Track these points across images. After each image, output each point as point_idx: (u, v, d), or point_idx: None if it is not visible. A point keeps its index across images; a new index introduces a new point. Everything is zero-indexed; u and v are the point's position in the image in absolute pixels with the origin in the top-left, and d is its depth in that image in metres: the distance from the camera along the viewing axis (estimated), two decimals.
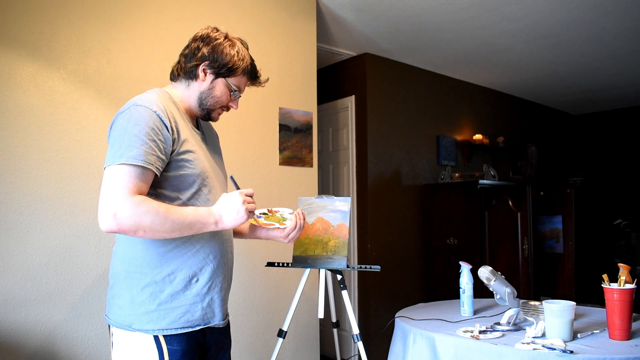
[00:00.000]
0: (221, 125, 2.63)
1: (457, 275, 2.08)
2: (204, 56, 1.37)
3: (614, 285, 1.60)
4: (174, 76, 1.43)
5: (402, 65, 4.26)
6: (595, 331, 1.68)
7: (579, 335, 1.64)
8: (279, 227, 1.46)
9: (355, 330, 2.23)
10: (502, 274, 1.87)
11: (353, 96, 4.08)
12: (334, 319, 2.59)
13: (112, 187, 1.16)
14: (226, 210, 1.27)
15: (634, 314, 1.63)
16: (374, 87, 4.03)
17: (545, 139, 5.83)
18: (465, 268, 2.06)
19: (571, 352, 1.42)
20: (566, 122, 6.28)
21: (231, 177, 1.39)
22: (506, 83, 4.98)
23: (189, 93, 1.40)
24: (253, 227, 1.57)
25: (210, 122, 1.50)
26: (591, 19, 3.36)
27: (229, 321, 1.48)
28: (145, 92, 1.35)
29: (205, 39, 1.39)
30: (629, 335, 1.59)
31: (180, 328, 1.29)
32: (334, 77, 4.27)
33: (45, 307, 2.05)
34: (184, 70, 1.39)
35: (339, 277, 2.27)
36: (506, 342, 1.58)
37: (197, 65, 1.37)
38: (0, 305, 1.95)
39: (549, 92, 5.33)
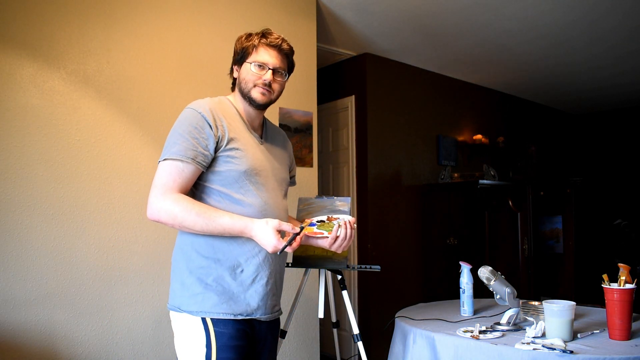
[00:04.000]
0: None
1: (457, 275, 2.08)
2: (233, 53, 1.53)
3: (614, 285, 1.60)
4: (233, 89, 1.57)
5: (402, 65, 4.26)
6: (595, 331, 1.68)
7: (579, 335, 1.64)
8: (326, 237, 1.44)
9: (355, 330, 2.23)
10: (502, 274, 1.87)
11: (353, 96, 4.08)
12: (334, 319, 2.59)
13: (156, 182, 1.33)
14: (259, 236, 1.33)
15: (634, 314, 1.63)
16: (374, 87, 4.03)
17: (545, 139, 5.83)
18: (465, 268, 2.06)
19: (571, 352, 1.42)
20: (566, 122, 6.27)
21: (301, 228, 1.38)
22: (506, 83, 4.98)
23: (239, 95, 1.52)
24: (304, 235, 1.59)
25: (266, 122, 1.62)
26: (591, 19, 3.35)
27: (278, 318, 1.53)
28: (201, 100, 1.48)
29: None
30: (629, 335, 1.58)
31: (223, 313, 1.35)
32: (334, 77, 4.27)
33: (45, 307, 2.05)
34: (232, 82, 1.56)
35: (339, 277, 2.27)
36: (506, 342, 1.57)
37: (232, 69, 1.55)
38: (0, 305, 1.95)
39: (549, 92, 5.33)
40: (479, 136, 4.79)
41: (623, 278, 1.61)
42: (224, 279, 1.37)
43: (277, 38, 1.50)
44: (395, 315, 2.07)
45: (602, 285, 1.63)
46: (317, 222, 1.48)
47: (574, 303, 1.62)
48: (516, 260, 4.09)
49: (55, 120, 2.13)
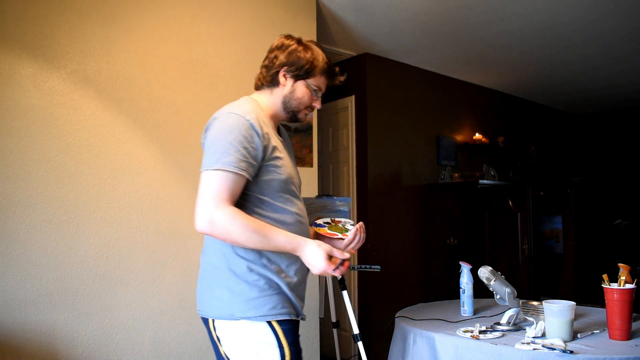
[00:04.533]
0: None
1: (457, 275, 2.08)
2: (282, 63, 1.47)
3: (614, 285, 1.60)
4: (258, 86, 1.53)
5: (402, 65, 4.26)
6: (595, 331, 1.68)
7: (579, 335, 1.64)
8: (341, 238, 1.53)
9: (355, 330, 2.23)
10: (502, 274, 1.87)
11: (353, 96, 4.08)
12: (334, 319, 2.59)
13: (209, 192, 1.27)
14: (310, 257, 1.34)
15: (634, 314, 1.63)
16: (374, 87, 4.03)
17: (545, 139, 5.83)
18: (465, 268, 2.06)
19: (571, 352, 1.42)
20: (566, 122, 6.27)
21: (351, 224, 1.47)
22: (506, 83, 4.98)
23: (274, 99, 1.49)
24: (318, 236, 1.62)
25: (297, 122, 1.58)
26: (591, 19, 3.35)
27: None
28: (239, 100, 1.45)
29: (280, 47, 1.49)
30: (629, 335, 1.58)
31: (285, 314, 1.37)
32: None
33: (45, 307, 2.05)
34: (266, 79, 1.49)
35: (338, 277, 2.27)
36: (506, 342, 1.57)
37: (277, 72, 1.47)
38: (0, 305, 1.95)
39: (549, 92, 5.33)
40: (478, 136, 4.79)
41: (623, 278, 1.61)
42: (275, 282, 1.37)
43: (340, 75, 1.56)
44: (395, 315, 2.07)
45: (602, 285, 1.63)
46: (325, 223, 1.53)
47: (574, 303, 1.62)
48: (516, 260, 4.09)
49: (55, 120, 2.13)
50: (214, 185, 1.28)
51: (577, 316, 1.85)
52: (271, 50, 1.51)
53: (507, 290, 1.80)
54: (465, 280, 2.03)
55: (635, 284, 1.61)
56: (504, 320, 1.78)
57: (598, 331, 1.68)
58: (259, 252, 1.36)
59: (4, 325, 1.95)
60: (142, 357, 2.29)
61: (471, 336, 1.63)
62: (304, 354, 2.91)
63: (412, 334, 1.80)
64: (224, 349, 1.38)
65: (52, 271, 2.07)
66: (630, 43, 3.82)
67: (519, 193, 4.18)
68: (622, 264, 1.66)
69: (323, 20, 3.36)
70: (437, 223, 4.16)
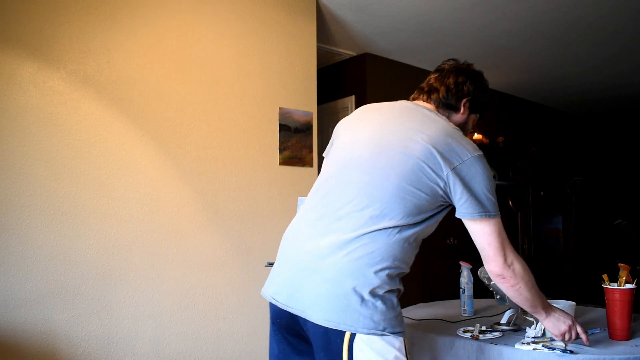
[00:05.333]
0: (221, 126, 2.63)
1: (457, 275, 2.08)
2: (470, 92, 1.44)
3: (614, 285, 1.60)
4: (428, 100, 1.45)
5: (402, 65, 4.26)
6: (595, 331, 1.68)
7: None
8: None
9: None
10: None
11: (353, 96, 4.08)
12: None
13: (502, 238, 1.29)
14: (557, 320, 1.43)
15: (634, 314, 1.63)
16: (374, 87, 4.03)
17: (545, 139, 5.83)
18: (465, 268, 2.06)
19: (571, 352, 1.42)
20: (566, 122, 6.27)
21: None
22: (506, 83, 4.98)
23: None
24: None
25: None
26: (591, 19, 3.35)
27: None
28: (447, 122, 1.35)
29: (470, 75, 1.46)
30: (629, 335, 1.58)
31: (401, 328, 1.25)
32: (334, 77, 4.27)
33: (45, 307, 2.05)
34: (446, 100, 1.43)
35: None
36: (506, 342, 1.57)
37: (461, 99, 1.44)
38: (0, 305, 1.95)
39: (549, 92, 5.33)
40: (479, 136, 4.79)
41: (623, 278, 1.61)
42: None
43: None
44: None
45: (602, 285, 1.63)
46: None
47: (574, 303, 1.62)
48: None
49: (55, 120, 2.13)
50: (502, 232, 1.30)
51: (577, 316, 1.84)
52: (458, 72, 1.45)
53: None
54: (465, 280, 2.03)
55: (635, 284, 1.61)
56: (504, 320, 1.78)
57: (598, 331, 1.68)
58: (408, 265, 1.30)
59: (4, 325, 1.95)
60: (142, 356, 2.29)
61: (471, 336, 1.63)
62: None
63: (412, 334, 1.80)
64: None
65: (52, 271, 2.07)
66: (630, 43, 3.82)
67: (519, 193, 4.19)
68: (622, 264, 1.66)
69: (323, 20, 3.36)
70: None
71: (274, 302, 1.33)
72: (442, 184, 1.26)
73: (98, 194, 2.22)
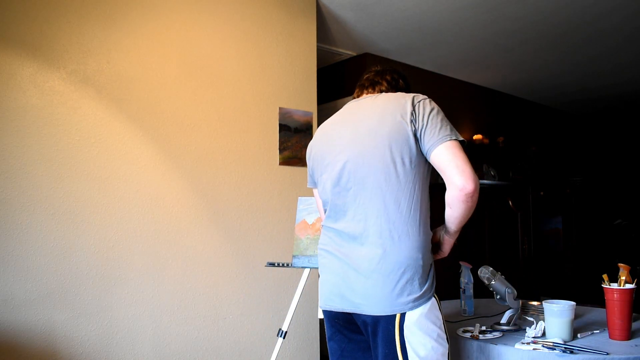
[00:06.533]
0: (221, 126, 2.63)
1: (457, 275, 2.08)
2: (404, 87, 1.64)
3: (614, 285, 1.60)
4: (374, 91, 1.60)
5: (402, 65, 4.26)
6: (595, 331, 1.68)
7: (579, 335, 1.64)
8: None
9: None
10: (502, 274, 1.87)
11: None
12: None
13: (465, 159, 1.40)
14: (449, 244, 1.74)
15: (634, 314, 1.63)
16: None
17: (545, 139, 5.83)
18: (465, 268, 2.06)
19: (571, 352, 1.42)
20: (566, 122, 6.27)
21: None
22: (506, 83, 4.98)
23: None
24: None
25: None
26: (591, 19, 3.36)
27: None
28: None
29: (400, 75, 1.64)
30: (629, 335, 1.58)
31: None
32: (334, 77, 4.27)
33: (45, 307, 2.05)
34: (388, 91, 1.60)
35: None
36: (506, 342, 1.57)
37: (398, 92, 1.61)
38: (0, 305, 1.95)
39: (549, 92, 5.33)
40: (479, 136, 4.79)
41: (623, 278, 1.61)
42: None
43: None
44: None
45: (602, 285, 1.63)
46: None
47: (574, 303, 1.62)
48: (516, 260, 4.09)
49: (55, 120, 2.13)
50: (464, 155, 1.40)
51: (577, 316, 1.85)
52: (391, 72, 1.62)
53: (507, 290, 1.80)
54: (465, 280, 2.03)
55: (635, 284, 1.61)
56: (504, 320, 1.78)
57: (598, 331, 1.68)
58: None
59: (4, 325, 1.95)
60: (142, 356, 2.29)
61: (471, 336, 1.63)
62: (304, 354, 2.91)
63: None
64: (408, 340, 1.33)
65: (52, 271, 2.08)
66: (630, 43, 3.82)
67: (519, 193, 4.19)
68: (622, 264, 1.66)
69: (323, 20, 3.36)
70: (437, 223, 4.15)
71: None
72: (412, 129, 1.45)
73: (98, 194, 2.22)
